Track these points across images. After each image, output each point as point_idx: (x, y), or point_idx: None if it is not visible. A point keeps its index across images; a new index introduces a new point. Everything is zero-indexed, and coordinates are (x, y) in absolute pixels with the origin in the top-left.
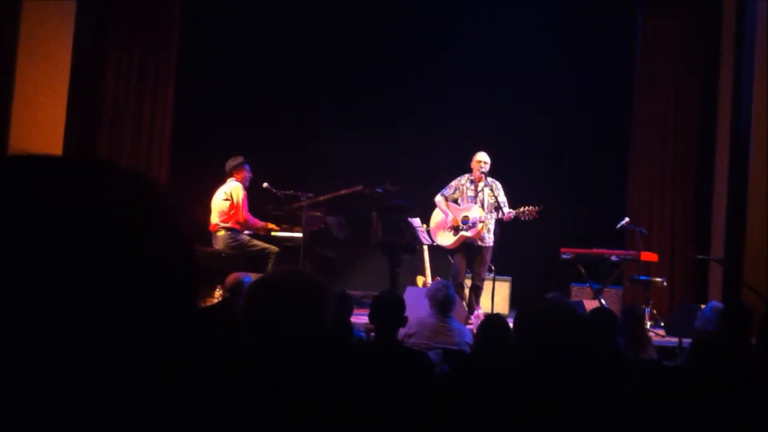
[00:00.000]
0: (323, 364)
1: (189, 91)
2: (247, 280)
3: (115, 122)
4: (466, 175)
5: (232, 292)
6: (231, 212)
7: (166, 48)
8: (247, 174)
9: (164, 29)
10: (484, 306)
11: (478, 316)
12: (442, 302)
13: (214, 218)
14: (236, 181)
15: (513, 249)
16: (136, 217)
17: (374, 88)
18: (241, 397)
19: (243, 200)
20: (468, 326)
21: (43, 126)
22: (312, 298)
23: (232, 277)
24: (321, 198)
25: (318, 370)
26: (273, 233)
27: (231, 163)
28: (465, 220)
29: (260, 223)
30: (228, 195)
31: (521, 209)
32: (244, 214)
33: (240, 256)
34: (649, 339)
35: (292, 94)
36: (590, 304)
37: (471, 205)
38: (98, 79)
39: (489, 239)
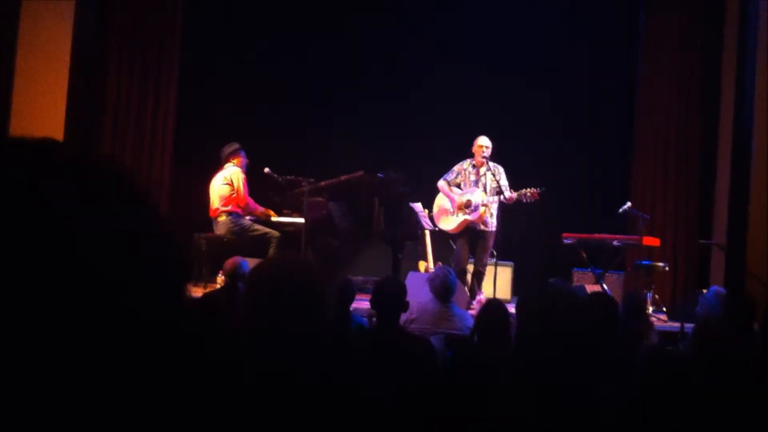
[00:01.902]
0: (324, 354)
1: (190, 80)
2: (244, 263)
3: (117, 119)
4: (468, 160)
5: (231, 276)
6: (232, 196)
7: (168, 43)
8: (243, 159)
9: (166, 25)
10: (486, 291)
11: (480, 301)
12: (442, 288)
13: (215, 203)
14: (235, 165)
15: (515, 234)
16: (120, 210)
17: (375, 73)
18: (242, 388)
19: (243, 184)
20: (470, 311)
21: (43, 125)
22: (311, 288)
23: (230, 262)
24: (322, 183)
25: (319, 361)
26: (273, 219)
27: (227, 149)
28: (468, 203)
29: (260, 209)
30: (228, 179)
31: (523, 191)
32: (246, 198)
33: (242, 241)
34: (651, 325)
35: (293, 80)
36: (592, 289)
37: (473, 189)
38: (99, 78)
39: (492, 224)
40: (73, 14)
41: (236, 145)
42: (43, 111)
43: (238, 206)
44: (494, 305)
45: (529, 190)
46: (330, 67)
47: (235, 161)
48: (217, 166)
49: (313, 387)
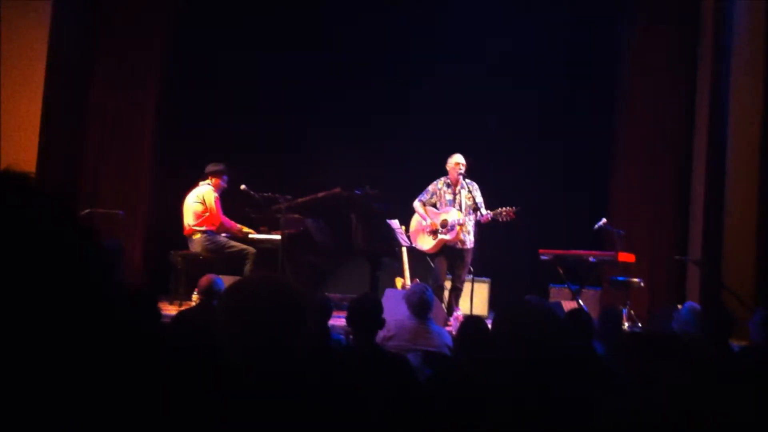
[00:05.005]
0: (303, 372)
1: (171, 97)
2: (218, 281)
3: (96, 130)
4: (443, 179)
5: (206, 294)
6: (205, 215)
7: (149, 55)
8: (222, 183)
9: (148, 37)
10: (463, 308)
11: (457, 318)
12: (420, 305)
13: (188, 221)
14: (209, 185)
15: (492, 250)
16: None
17: (351, 91)
18: (221, 405)
19: (216, 204)
20: (447, 328)
21: (18, 138)
22: (288, 306)
23: (204, 280)
24: (299, 200)
25: (298, 378)
26: (250, 236)
27: (212, 167)
28: (444, 223)
29: (236, 226)
30: (200, 199)
31: (498, 210)
32: (220, 218)
33: (218, 258)
34: None
35: (271, 98)
36: (569, 305)
37: (449, 209)
38: (77, 89)
39: (469, 241)
40: (49, 23)
41: (221, 167)
42: (19, 122)
43: (213, 225)
44: (474, 321)
45: (504, 209)
46: (308, 85)
47: (212, 181)
48: (195, 182)
49: (295, 403)
